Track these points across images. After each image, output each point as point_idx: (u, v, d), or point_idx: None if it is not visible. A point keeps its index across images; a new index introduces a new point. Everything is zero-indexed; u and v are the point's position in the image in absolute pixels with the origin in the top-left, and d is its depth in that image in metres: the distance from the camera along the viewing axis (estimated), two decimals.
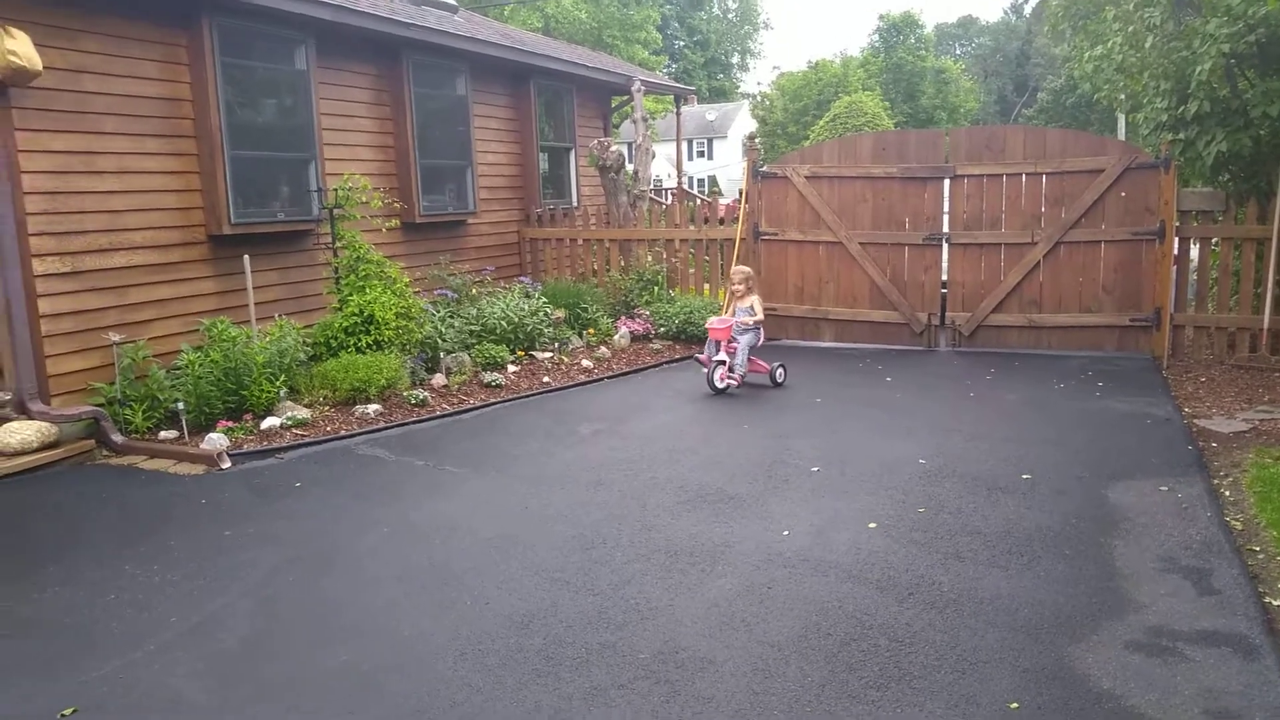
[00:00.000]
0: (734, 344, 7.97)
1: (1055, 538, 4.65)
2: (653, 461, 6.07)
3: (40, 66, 6.00)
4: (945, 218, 9.71)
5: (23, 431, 6.12)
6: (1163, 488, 5.34)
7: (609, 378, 8.71)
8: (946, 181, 9.61)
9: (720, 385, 7.82)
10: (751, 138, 10.60)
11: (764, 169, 10.27)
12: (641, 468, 5.93)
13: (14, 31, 5.90)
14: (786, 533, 4.76)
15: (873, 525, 4.84)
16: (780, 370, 8.23)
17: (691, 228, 10.85)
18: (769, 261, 10.30)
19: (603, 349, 9.47)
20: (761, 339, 8.26)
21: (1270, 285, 8.46)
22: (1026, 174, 9.32)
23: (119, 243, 6.93)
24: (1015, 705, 3.20)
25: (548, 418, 7.31)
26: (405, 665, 3.55)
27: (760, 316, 8.20)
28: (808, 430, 6.73)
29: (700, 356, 8.21)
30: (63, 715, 3.25)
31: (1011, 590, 4.07)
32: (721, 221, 10.79)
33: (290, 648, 3.72)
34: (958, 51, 72.56)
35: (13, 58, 5.80)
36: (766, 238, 10.25)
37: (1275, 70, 8.15)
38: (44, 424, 6.23)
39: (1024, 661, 3.47)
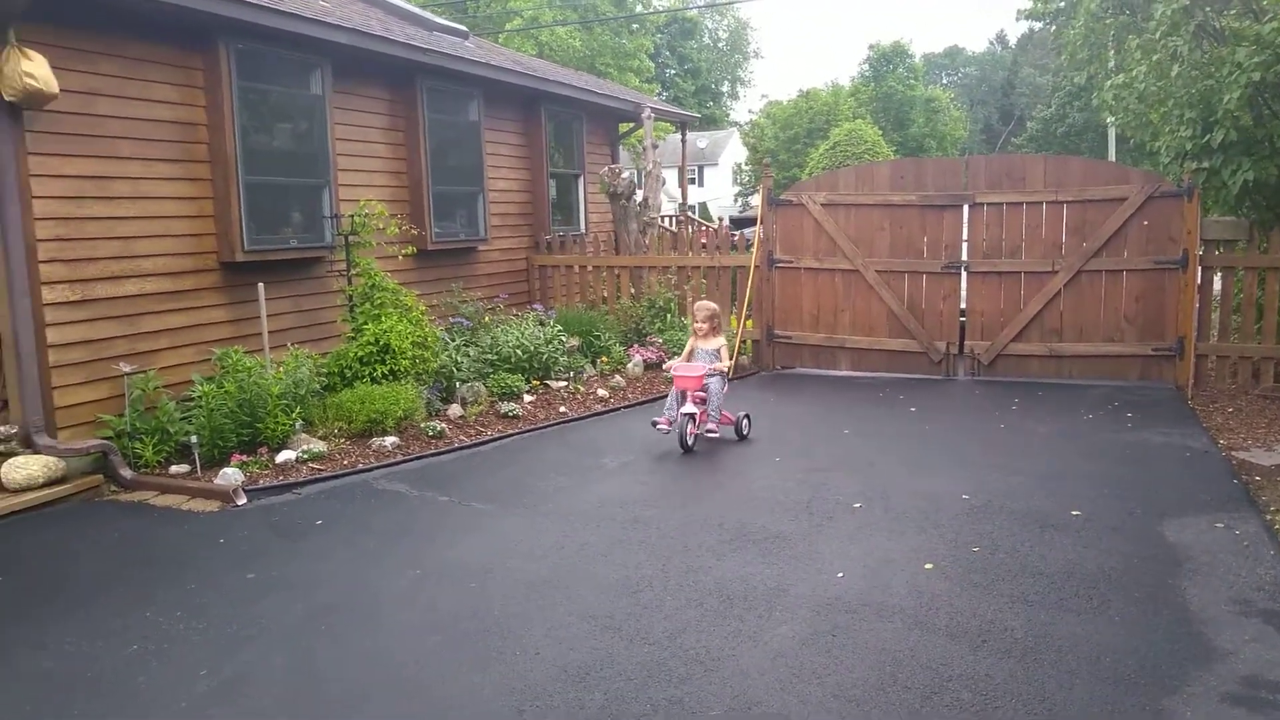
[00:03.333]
0: (703, 392, 7.05)
1: (1120, 578, 4.47)
2: (686, 497, 5.87)
3: (56, 89, 5.81)
4: (964, 246, 9.60)
5: (29, 467, 5.87)
6: (1218, 525, 5.17)
7: (625, 407, 8.51)
8: (966, 209, 9.50)
9: (691, 442, 6.81)
10: (766, 164, 10.48)
11: (780, 196, 10.14)
12: (676, 503, 5.73)
13: (31, 53, 5.71)
14: (841, 575, 4.56)
15: (929, 566, 4.65)
16: (745, 421, 7.26)
17: (704, 255, 10.70)
18: (784, 289, 10.15)
19: (617, 378, 9.27)
20: (727, 386, 7.31)
21: None
22: (1048, 202, 9.22)
23: (131, 270, 6.71)
24: None
25: (570, 450, 7.09)
26: None
27: (730, 362, 7.38)
28: (841, 463, 6.54)
29: (660, 421, 6.96)
30: None
31: (1088, 636, 3.88)
32: (734, 248, 10.65)
33: (331, 709, 3.48)
34: (944, 81, 73.21)
35: (29, 80, 5.61)
36: (781, 265, 10.11)
37: None
38: (51, 458, 5.98)
39: (1120, 717, 3.28)
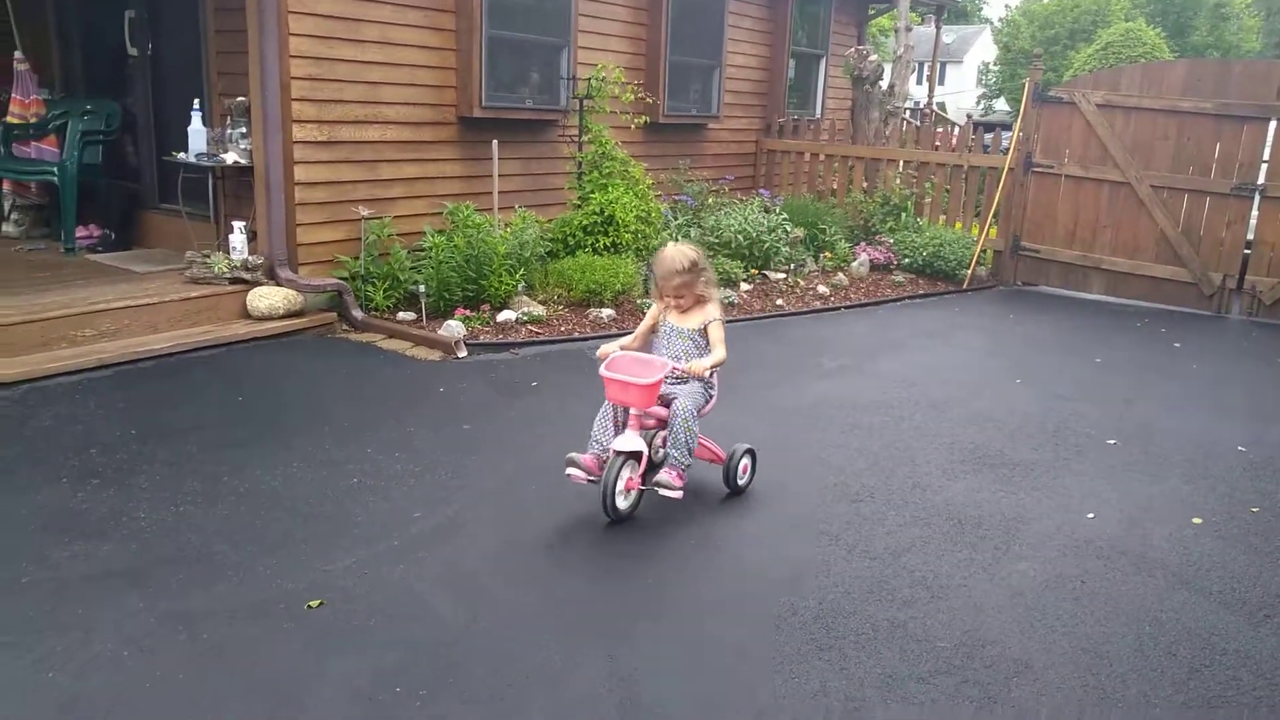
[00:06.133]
0: (664, 409, 3.86)
1: None
2: (913, 408, 5.42)
3: None
4: (1264, 167, 8.31)
5: (271, 297, 6.14)
6: None
7: (846, 308, 8.04)
8: (1273, 124, 8.18)
9: (625, 505, 3.71)
10: (1037, 55, 9.39)
11: (1049, 93, 9.09)
12: (901, 414, 5.30)
13: None
14: (1091, 515, 4.05)
15: (1197, 520, 4.05)
16: (747, 461, 4.12)
17: (951, 152, 9.83)
18: (1038, 196, 9.20)
19: (840, 275, 8.77)
20: (714, 400, 4.03)
21: None
22: None
23: (374, 116, 6.78)
24: None
25: (785, 345, 6.76)
26: (662, 614, 3.15)
27: (720, 358, 3.85)
28: (1092, 394, 5.87)
29: (578, 463, 3.75)
30: (309, 606, 3.06)
31: None
32: (986, 149, 9.73)
33: (538, 571, 3.40)
34: None
35: None
36: (1039, 170, 9.13)
37: None
38: (291, 292, 6.22)
39: None
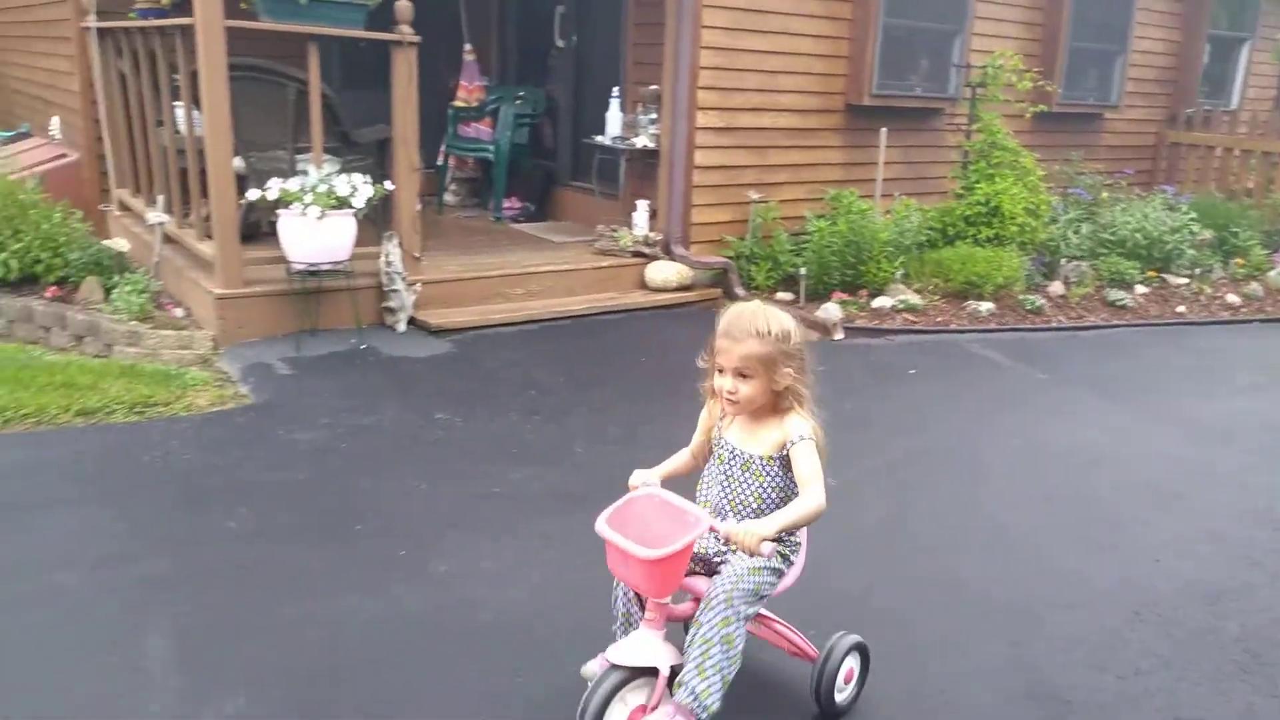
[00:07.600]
0: (696, 588, 2.33)
1: None
2: None
3: None
4: None
5: (665, 271, 6.67)
6: None
7: (1262, 321, 7.25)
8: None
9: None
10: None
11: None
12: None
13: None
14: None
15: None
16: (852, 663, 2.49)
17: None
18: None
19: (1253, 284, 7.87)
20: (797, 573, 2.43)
21: None
22: None
23: (768, 104, 7.10)
24: None
25: (1190, 356, 6.26)
26: (1067, 604, 3.14)
27: (812, 509, 2.21)
28: None
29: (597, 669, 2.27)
30: None
31: None
32: None
33: (927, 543, 3.52)
34: None
35: None
36: None
37: None
38: (683, 267, 6.71)
39: None
